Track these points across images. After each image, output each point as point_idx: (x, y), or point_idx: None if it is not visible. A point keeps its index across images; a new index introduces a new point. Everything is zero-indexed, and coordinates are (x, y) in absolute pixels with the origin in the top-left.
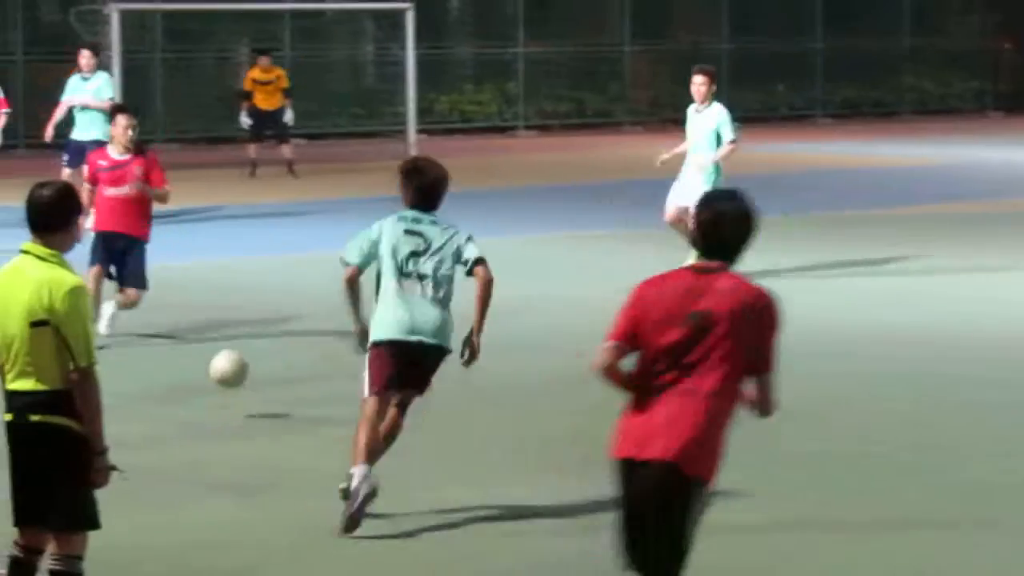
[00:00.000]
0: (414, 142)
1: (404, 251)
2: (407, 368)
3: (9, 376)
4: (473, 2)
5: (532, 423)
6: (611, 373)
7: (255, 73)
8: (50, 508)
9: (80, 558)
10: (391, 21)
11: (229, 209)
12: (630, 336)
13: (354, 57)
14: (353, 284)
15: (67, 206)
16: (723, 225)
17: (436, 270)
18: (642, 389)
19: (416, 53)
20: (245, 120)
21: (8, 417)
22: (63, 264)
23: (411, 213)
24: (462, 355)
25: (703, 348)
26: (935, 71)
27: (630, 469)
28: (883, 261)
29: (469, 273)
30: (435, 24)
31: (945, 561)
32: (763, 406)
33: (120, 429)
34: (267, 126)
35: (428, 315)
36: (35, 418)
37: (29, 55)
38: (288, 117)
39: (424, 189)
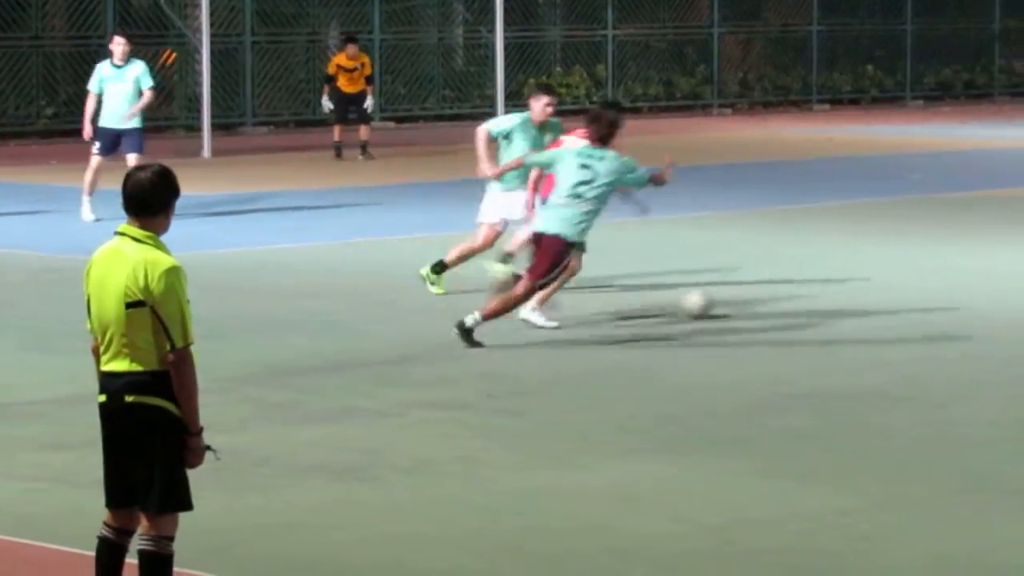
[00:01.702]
0: None
1: (576, 179)
2: None
3: (104, 357)
4: None
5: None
6: None
7: (341, 59)
8: (144, 489)
9: (171, 539)
10: (481, 4)
11: (323, 195)
12: None
13: (444, 40)
14: None
15: (166, 188)
16: None
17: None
18: None
19: (505, 36)
20: (327, 104)
21: (102, 398)
22: (159, 246)
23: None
24: None
25: None
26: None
27: None
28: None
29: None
30: (524, 7)
31: None
32: None
33: (216, 412)
34: (350, 109)
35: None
36: (130, 399)
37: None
38: (369, 104)
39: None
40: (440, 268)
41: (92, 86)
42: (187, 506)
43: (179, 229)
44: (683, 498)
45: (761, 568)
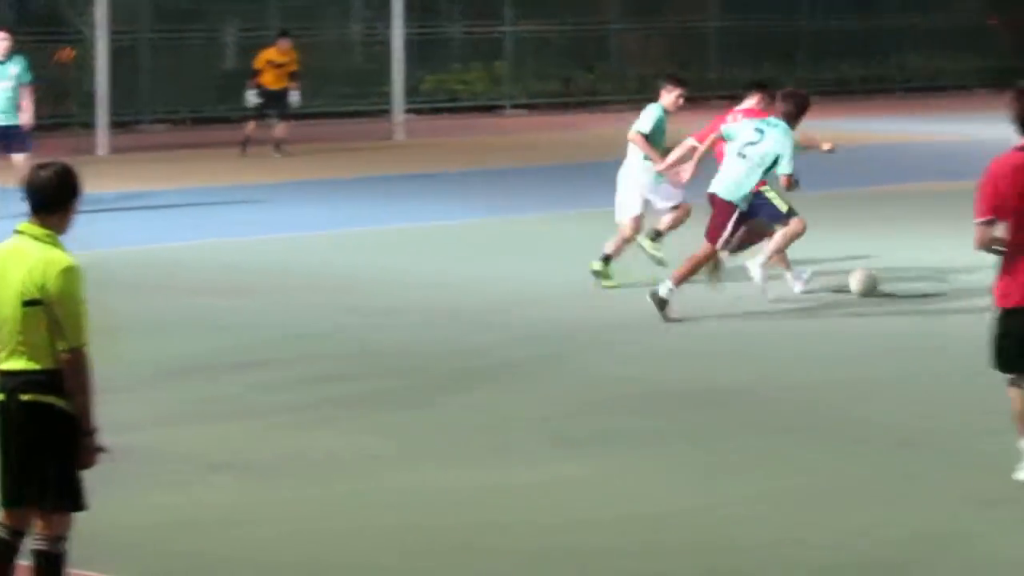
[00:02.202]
0: (401, 121)
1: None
2: None
3: (1, 356)
4: None
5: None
6: (991, 243)
7: (271, 54)
8: (38, 488)
9: (64, 538)
10: (379, 1)
11: (222, 191)
12: (994, 210)
13: (342, 36)
14: None
15: (67, 187)
16: None
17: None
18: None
19: (404, 32)
20: (252, 98)
21: (0, 397)
22: (58, 244)
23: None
24: None
25: None
26: (928, 49)
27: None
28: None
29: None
30: (423, 3)
31: None
32: None
33: (120, 411)
34: (270, 105)
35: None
36: (26, 398)
37: (17, 35)
38: (295, 99)
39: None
40: (607, 260)
41: None
42: (81, 506)
43: (76, 227)
44: (595, 492)
45: (674, 559)
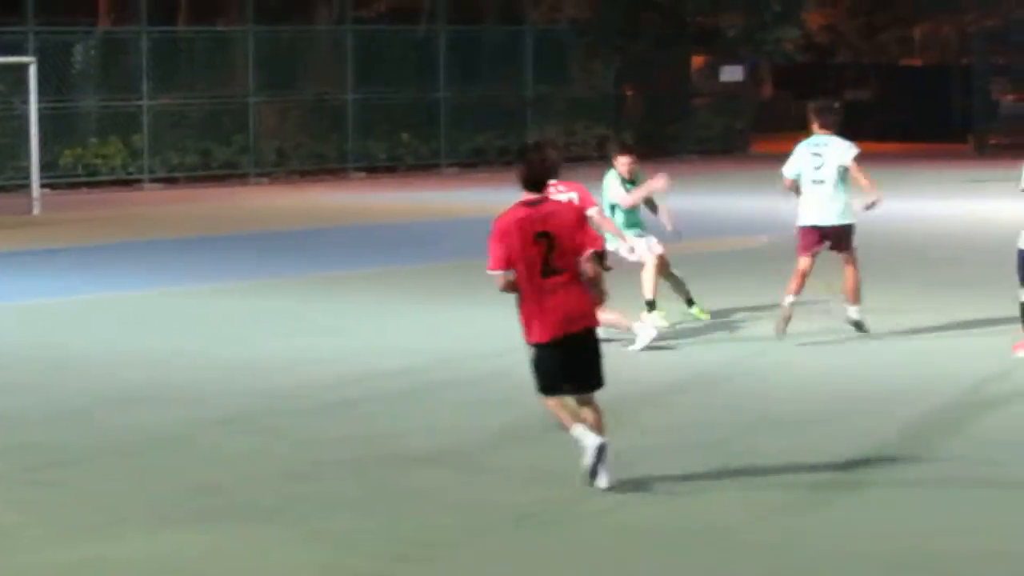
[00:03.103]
0: (38, 196)
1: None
2: None
3: None
4: (98, 55)
5: (161, 476)
6: (509, 287)
7: None
8: None
9: None
10: (14, 76)
11: None
12: (506, 261)
13: None
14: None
15: None
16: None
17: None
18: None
19: (40, 107)
20: None
21: None
22: None
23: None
24: None
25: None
26: (559, 119)
27: (564, 339)
28: None
29: None
30: (59, 77)
31: None
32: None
33: None
34: None
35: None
36: None
37: None
38: None
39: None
40: (652, 306)
41: None
42: None
43: None
44: (223, 569)
45: None
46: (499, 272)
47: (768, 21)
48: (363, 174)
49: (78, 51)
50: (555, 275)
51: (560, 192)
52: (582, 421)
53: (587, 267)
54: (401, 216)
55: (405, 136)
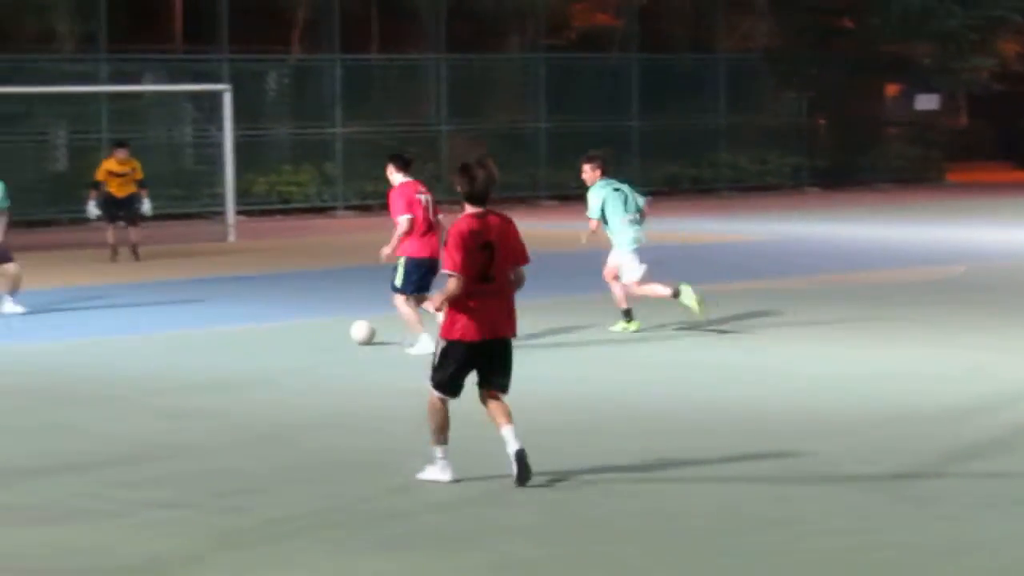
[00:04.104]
0: (233, 223)
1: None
2: None
3: None
4: (291, 84)
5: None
6: (459, 292)
7: (111, 164)
8: None
9: None
10: (210, 103)
11: (62, 292)
12: (462, 266)
13: (172, 139)
14: None
15: None
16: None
17: None
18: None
19: (234, 134)
20: (93, 211)
21: None
22: None
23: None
24: None
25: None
26: (751, 147)
27: (489, 344)
28: (719, 337)
29: None
30: (253, 105)
31: None
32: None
33: None
34: (120, 209)
35: None
36: None
37: None
38: (146, 208)
39: None
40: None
41: None
42: None
43: None
44: None
45: None
46: (458, 276)
47: (963, 50)
48: (555, 202)
49: (271, 79)
50: (490, 282)
51: (423, 193)
52: (446, 443)
53: (519, 279)
54: (591, 244)
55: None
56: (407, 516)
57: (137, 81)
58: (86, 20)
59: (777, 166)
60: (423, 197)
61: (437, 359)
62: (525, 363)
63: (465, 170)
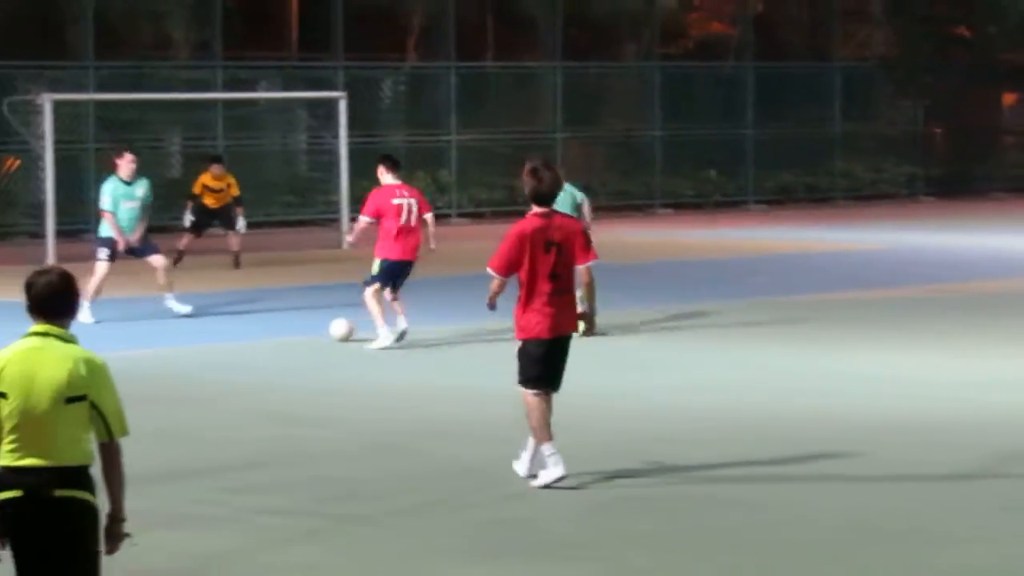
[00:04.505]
0: (347, 230)
1: None
2: None
3: (19, 453)
4: (406, 91)
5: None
6: (496, 294)
7: (206, 179)
8: None
9: None
10: (324, 110)
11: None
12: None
13: (287, 146)
14: None
15: (74, 291)
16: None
17: None
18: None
19: (349, 142)
20: (188, 218)
21: (15, 494)
22: (78, 343)
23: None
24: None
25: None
26: (866, 156)
27: (557, 341)
28: (836, 347)
29: None
30: (368, 113)
31: None
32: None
33: None
34: (214, 218)
35: None
36: (61, 493)
37: None
38: (240, 225)
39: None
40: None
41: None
42: None
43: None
44: None
45: None
46: (499, 276)
47: None
48: (669, 211)
49: (386, 86)
50: (557, 281)
51: (404, 196)
52: (551, 439)
53: (583, 277)
54: (707, 253)
55: (712, 173)
56: (523, 524)
57: (252, 88)
58: (202, 28)
59: (892, 175)
60: (403, 201)
61: (518, 360)
62: (653, 370)
63: (533, 172)
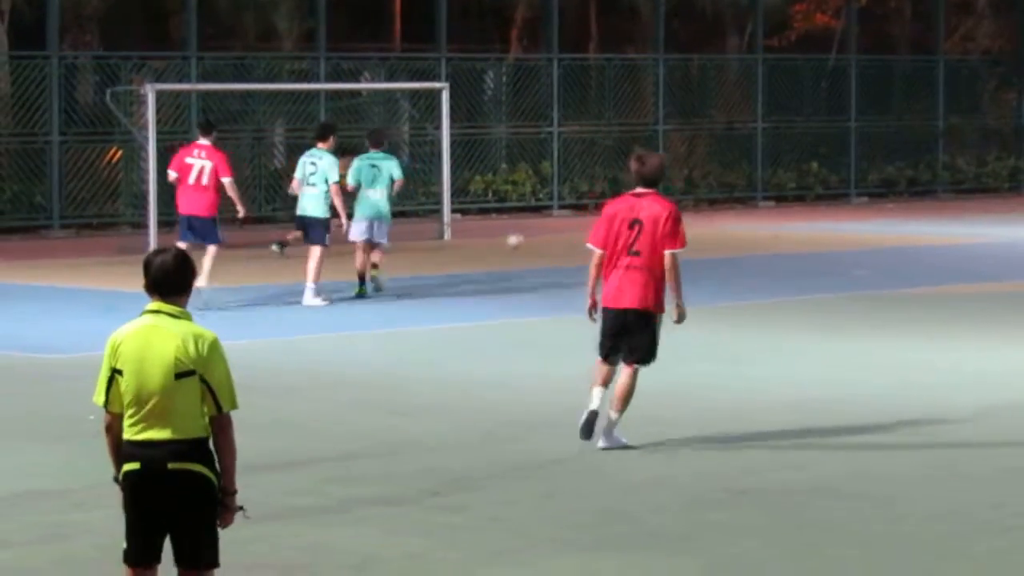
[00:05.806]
0: (449, 221)
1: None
2: None
3: (137, 428)
4: (508, 82)
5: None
6: (597, 269)
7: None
8: (189, 549)
9: None
10: (427, 102)
11: (284, 288)
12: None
13: (390, 137)
14: None
15: (190, 270)
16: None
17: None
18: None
19: (451, 133)
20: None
21: (135, 466)
22: (192, 320)
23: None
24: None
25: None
26: (970, 149)
27: (625, 312)
28: (942, 341)
29: None
30: (470, 104)
31: None
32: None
33: None
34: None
35: None
36: (173, 466)
37: (65, 136)
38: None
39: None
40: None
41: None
42: (218, 563)
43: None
44: None
45: None
46: (595, 249)
47: None
48: (772, 203)
49: (489, 78)
50: (636, 256)
51: (200, 156)
52: (595, 386)
53: (665, 262)
54: (810, 246)
55: (815, 166)
56: (627, 516)
57: (355, 79)
58: (305, 18)
59: (995, 168)
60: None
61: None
62: (755, 363)
63: (639, 156)
